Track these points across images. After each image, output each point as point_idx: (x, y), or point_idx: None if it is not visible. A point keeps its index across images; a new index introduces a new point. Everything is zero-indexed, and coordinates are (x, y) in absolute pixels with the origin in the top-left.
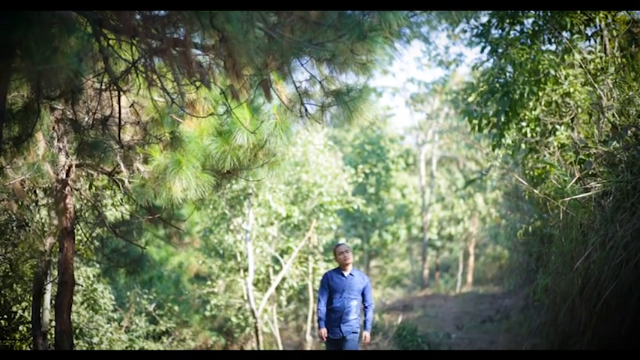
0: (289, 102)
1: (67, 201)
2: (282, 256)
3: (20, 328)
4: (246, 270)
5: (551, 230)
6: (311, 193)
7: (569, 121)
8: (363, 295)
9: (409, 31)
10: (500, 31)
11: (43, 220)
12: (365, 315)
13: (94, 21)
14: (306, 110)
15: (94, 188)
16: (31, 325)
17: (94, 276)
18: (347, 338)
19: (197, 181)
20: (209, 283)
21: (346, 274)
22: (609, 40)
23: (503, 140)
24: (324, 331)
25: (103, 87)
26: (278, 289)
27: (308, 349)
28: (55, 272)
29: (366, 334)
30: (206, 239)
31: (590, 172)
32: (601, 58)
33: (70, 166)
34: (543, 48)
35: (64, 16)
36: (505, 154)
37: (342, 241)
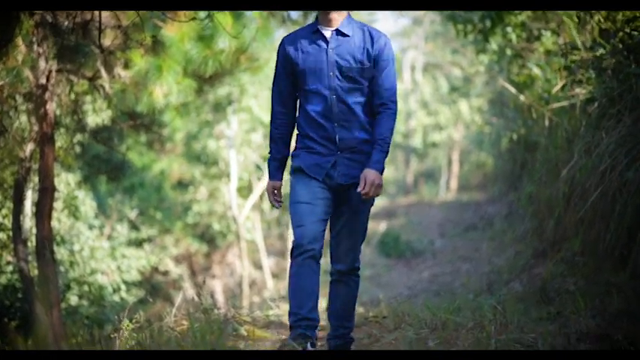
0: None
1: (47, 107)
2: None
3: (0, 235)
4: (229, 176)
5: (536, 137)
6: None
7: (556, 26)
8: (372, 83)
9: None
10: None
11: (22, 127)
12: (376, 130)
13: None
14: (288, 15)
15: (74, 94)
16: (11, 233)
17: (75, 183)
18: (349, 195)
19: (178, 87)
20: (191, 189)
21: (328, 33)
22: None
23: (488, 46)
24: (271, 185)
25: None
26: (261, 196)
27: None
28: (36, 179)
29: (372, 174)
30: (189, 146)
31: (576, 79)
32: None
33: (50, 71)
34: None
35: None
36: (490, 60)
37: None
